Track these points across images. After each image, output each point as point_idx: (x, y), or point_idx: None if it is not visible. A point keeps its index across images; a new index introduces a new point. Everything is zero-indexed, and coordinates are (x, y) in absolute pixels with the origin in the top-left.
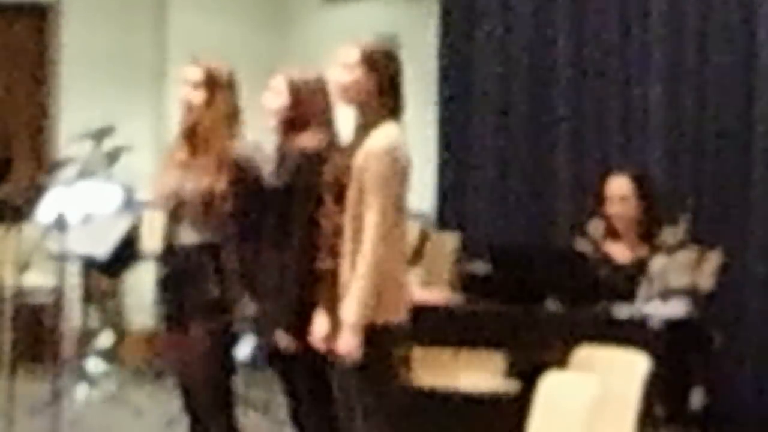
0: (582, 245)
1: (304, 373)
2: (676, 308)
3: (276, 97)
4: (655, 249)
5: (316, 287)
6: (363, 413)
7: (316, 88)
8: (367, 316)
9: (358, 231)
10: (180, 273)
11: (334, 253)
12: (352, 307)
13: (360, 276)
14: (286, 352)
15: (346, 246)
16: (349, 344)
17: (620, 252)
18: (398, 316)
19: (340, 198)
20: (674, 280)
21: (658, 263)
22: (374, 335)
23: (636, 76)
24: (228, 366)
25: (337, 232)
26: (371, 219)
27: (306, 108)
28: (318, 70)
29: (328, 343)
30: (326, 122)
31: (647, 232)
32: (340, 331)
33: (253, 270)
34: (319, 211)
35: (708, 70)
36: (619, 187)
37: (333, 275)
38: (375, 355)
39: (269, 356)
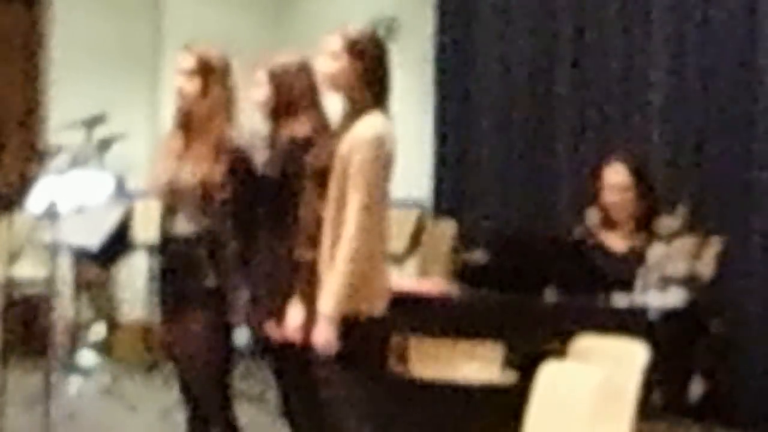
0: (578, 234)
1: (293, 364)
2: (675, 297)
3: (259, 89)
4: (652, 238)
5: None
6: (340, 403)
7: (298, 73)
8: (346, 306)
9: (338, 220)
10: (177, 263)
11: (314, 243)
12: (329, 298)
13: (339, 266)
14: (276, 343)
15: (326, 236)
16: (325, 335)
17: (616, 241)
18: (378, 306)
19: (322, 187)
20: (672, 269)
21: (655, 252)
22: (353, 326)
23: (637, 63)
24: (227, 356)
25: (318, 221)
26: (353, 209)
27: (288, 94)
28: (302, 55)
29: (305, 334)
30: (313, 105)
31: (645, 221)
32: (315, 321)
33: (249, 259)
34: (302, 198)
35: (711, 56)
36: (616, 176)
37: (311, 266)
38: (353, 346)
39: (259, 346)
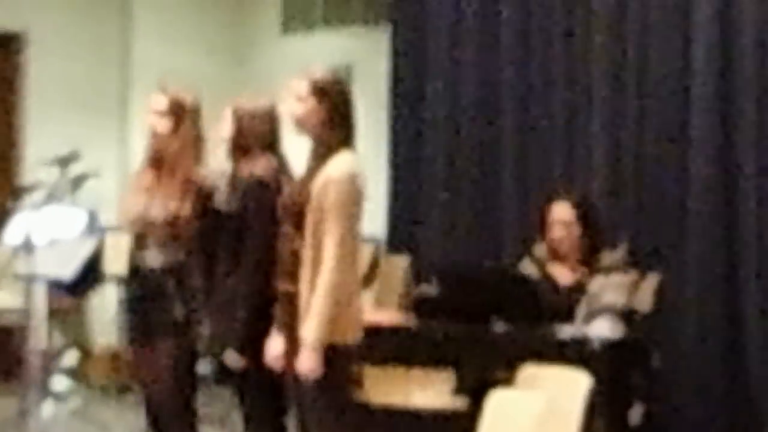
0: (527, 268)
1: (254, 390)
2: (615, 329)
3: (224, 126)
4: (594, 271)
5: (268, 308)
6: (319, 427)
7: (259, 115)
8: (327, 336)
9: (317, 255)
10: (146, 294)
11: (293, 277)
12: (312, 327)
13: (320, 297)
14: (235, 371)
15: (305, 270)
16: (309, 362)
17: (562, 274)
18: (353, 336)
19: (298, 223)
20: (609, 298)
21: (595, 283)
22: (331, 354)
23: (579, 111)
24: (191, 381)
25: (295, 255)
26: (330, 243)
27: (247, 134)
28: (270, 98)
29: (286, 362)
30: (269, 148)
31: (588, 256)
32: (299, 350)
33: (210, 290)
34: (276, 235)
35: (646, 106)
36: (561, 212)
37: (291, 297)
38: (332, 373)
39: (220, 373)
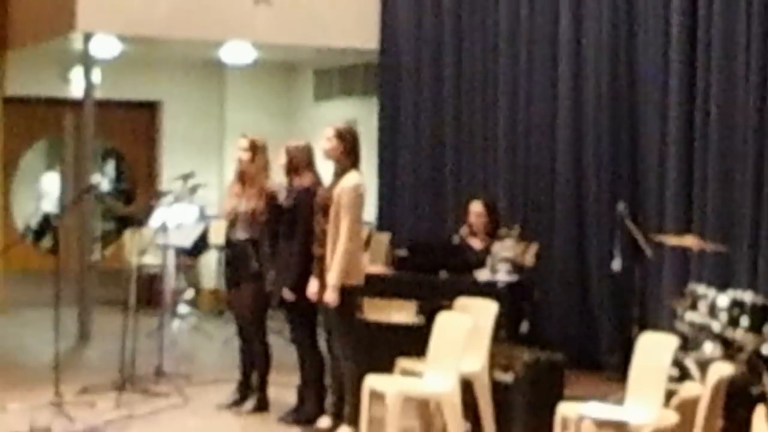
0: (456, 240)
1: (299, 313)
2: (512, 276)
3: (280, 158)
4: (495, 240)
5: (309, 264)
6: (338, 336)
7: (303, 151)
8: (342, 280)
9: (336, 233)
10: (235, 256)
11: (322, 244)
12: (333, 275)
13: (338, 257)
14: (289, 301)
15: (329, 241)
16: (331, 297)
17: (476, 243)
18: (358, 280)
19: (326, 214)
20: (503, 253)
21: (496, 247)
22: (345, 292)
23: (489, 142)
24: (263, 308)
25: (323, 233)
26: (344, 226)
27: (296, 162)
28: (305, 141)
29: (318, 297)
30: (310, 169)
31: (491, 232)
32: (325, 289)
33: (274, 254)
34: (314, 221)
35: (532, 137)
36: (476, 207)
37: (321, 257)
38: (345, 303)
39: (280, 303)
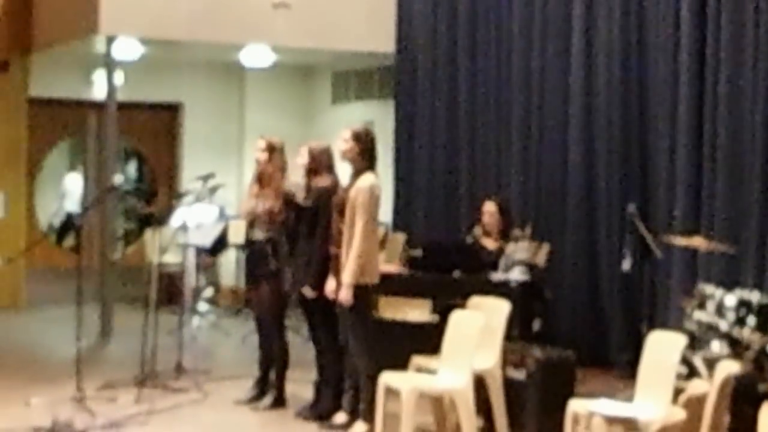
0: (470, 240)
1: (320, 311)
2: (524, 276)
3: (302, 158)
4: (508, 241)
5: (327, 263)
6: (354, 334)
7: (324, 152)
8: (356, 279)
9: (351, 232)
10: (254, 255)
11: (338, 244)
12: (348, 275)
13: (353, 257)
14: (309, 299)
15: (345, 240)
16: (346, 296)
17: (490, 243)
18: (373, 279)
19: (342, 214)
20: (519, 256)
21: (509, 248)
22: (359, 290)
23: (501, 147)
24: (282, 306)
25: (339, 232)
26: (359, 226)
27: (318, 163)
28: (326, 143)
29: (335, 295)
30: (330, 170)
31: (504, 232)
32: (340, 288)
33: (293, 253)
34: (331, 221)
35: (545, 138)
36: (490, 208)
37: (337, 256)
38: (360, 302)
39: (300, 301)
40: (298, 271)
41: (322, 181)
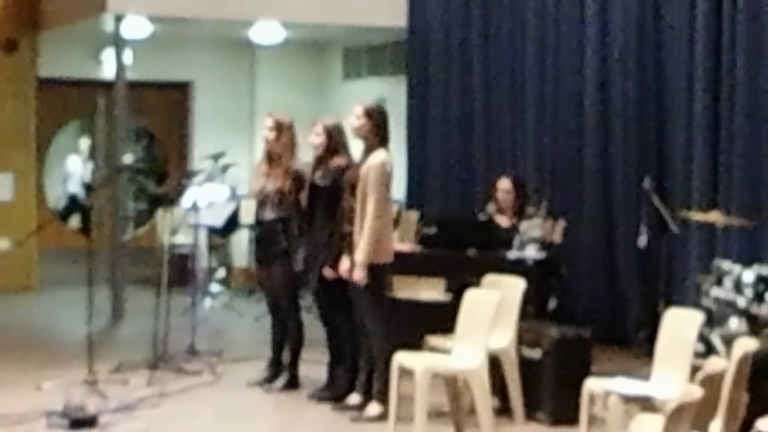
0: (484, 217)
1: (339, 291)
2: (540, 253)
3: (317, 136)
4: (522, 218)
5: (342, 242)
6: (367, 313)
7: (338, 129)
8: (370, 258)
9: (363, 210)
10: (265, 235)
11: (351, 222)
12: (361, 254)
13: (365, 236)
14: (328, 279)
15: (357, 219)
16: (359, 275)
17: (504, 221)
18: (387, 258)
19: (353, 191)
20: (533, 233)
21: (523, 225)
22: (373, 269)
23: (516, 119)
24: (294, 285)
25: (351, 210)
26: (371, 204)
27: (334, 141)
28: (339, 119)
29: (349, 274)
30: (345, 148)
31: (518, 210)
32: (354, 267)
33: (307, 232)
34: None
35: (558, 115)
36: (504, 185)
37: (350, 235)
38: (374, 281)
39: (318, 280)
40: (314, 252)
41: (339, 160)
